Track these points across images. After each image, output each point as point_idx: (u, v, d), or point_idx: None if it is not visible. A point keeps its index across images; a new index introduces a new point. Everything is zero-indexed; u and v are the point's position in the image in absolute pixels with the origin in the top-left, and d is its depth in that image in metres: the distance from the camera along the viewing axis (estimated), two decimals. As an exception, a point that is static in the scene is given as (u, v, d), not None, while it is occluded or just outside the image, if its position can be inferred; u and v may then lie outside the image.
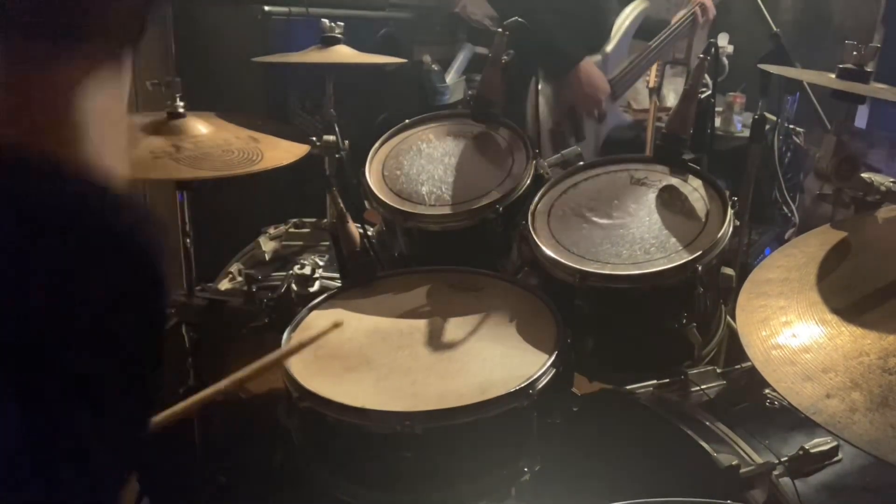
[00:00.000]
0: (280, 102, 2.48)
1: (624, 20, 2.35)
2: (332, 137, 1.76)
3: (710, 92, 1.89)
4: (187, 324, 1.65)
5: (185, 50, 2.54)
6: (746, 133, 2.16)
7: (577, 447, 1.23)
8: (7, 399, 0.38)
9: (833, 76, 1.24)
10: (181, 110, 1.57)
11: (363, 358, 1.22)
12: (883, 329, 0.86)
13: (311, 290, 1.67)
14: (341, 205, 1.44)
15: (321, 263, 1.82)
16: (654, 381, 1.36)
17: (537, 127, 2.14)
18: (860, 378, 0.80)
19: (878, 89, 1.20)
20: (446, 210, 1.50)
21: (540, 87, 2.15)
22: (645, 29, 2.40)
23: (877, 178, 1.24)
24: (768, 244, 2.51)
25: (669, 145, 1.50)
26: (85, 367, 0.40)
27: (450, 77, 3.05)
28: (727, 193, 1.38)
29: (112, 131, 0.46)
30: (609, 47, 2.29)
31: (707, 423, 1.15)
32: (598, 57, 2.25)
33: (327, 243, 1.93)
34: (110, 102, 0.46)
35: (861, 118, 3.14)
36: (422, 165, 1.61)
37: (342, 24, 1.84)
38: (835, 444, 1.02)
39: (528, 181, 1.53)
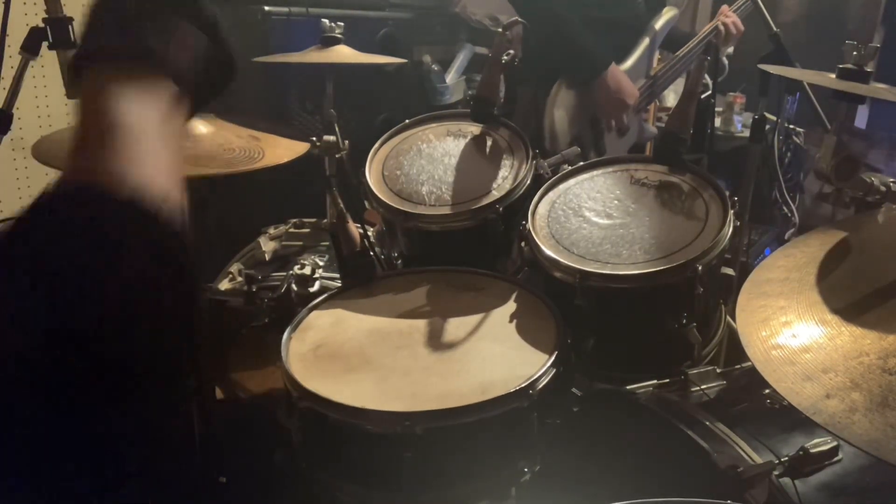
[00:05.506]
0: (280, 102, 2.47)
1: (652, 30, 2.23)
2: (332, 137, 1.75)
3: (710, 92, 1.89)
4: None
5: (184, 50, 2.54)
6: (746, 133, 2.16)
7: (577, 447, 1.23)
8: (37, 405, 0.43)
9: (833, 76, 1.24)
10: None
11: (363, 358, 1.22)
12: (883, 329, 0.86)
13: (311, 290, 1.67)
14: (341, 205, 1.44)
15: (321, 263, 1.82)
16: (654, 381, 1.36)
17: (555, 139, 2.07)
18: (860, 378, 0.80)
19: (878, 89, 1.20)
20: (446, 210, 1.50)
21: (560, 96, 2.07)
22: (668, 40, 2.32)
23: (877, 178, 1.24)
24: (768, 244, 2.52)
25: (669, 145, 1.50)
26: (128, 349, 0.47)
27: (450, 77, 3.04)
28: (727, 193, 1.38)
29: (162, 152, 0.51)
30: (635, 57, 2.20)
31: (707, 423, 1.15)
32: (626, 64, 2.19)
33: (327, 243, 1.93)
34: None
35: (861, 118, 3.14)
36: (422, 165, 1.61)
37: (342, 24, 1.84)
38: (835, 444, 1.02)
39: (528, 181, 1.53)
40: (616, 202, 1.45)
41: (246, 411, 1.69)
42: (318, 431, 1.18)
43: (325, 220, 1.97)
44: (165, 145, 0.52)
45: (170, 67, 0.54)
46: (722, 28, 2.16)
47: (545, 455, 1.17)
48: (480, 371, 1.17)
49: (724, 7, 2.22)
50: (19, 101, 1.58)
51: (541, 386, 1.13)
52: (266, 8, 2.36)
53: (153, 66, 0.53)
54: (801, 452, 1.02)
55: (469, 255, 1.51)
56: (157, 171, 0.49)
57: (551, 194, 1.51)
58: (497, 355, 1.21)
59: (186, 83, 0.56)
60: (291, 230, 2.04)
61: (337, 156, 1.77)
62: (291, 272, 1.71)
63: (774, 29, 1.84)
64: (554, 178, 1.53)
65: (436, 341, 1.26)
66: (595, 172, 1.55)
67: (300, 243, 2.00)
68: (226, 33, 0.62)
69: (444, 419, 1.07)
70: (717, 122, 3.00)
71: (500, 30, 1.63)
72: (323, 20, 1.83)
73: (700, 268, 1.25)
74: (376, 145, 1.69)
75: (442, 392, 1.12)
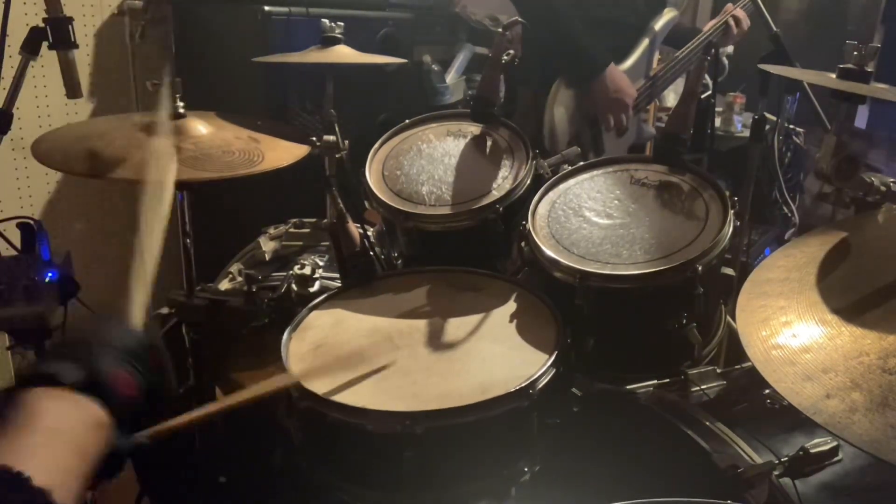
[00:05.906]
0: (280, 102, 2.47)
1: (651, 31, 2.22)
2: (332, 137, 1.75)
3: (710, 92, 1.89)
4: (187, 324, 1.65)
5: (185, 50, 2.54)
6: (746, 133, 2.16)
7: (577, 447, 1.23)
8: None
9: (833, 76, 1.24)
10: (181, 110, 1.57)
11: (363, 358, 1.22)
12: (883, 329, 0.86)
13: (311, 290, 1.67)
14: (341, 205, 1.44)
15: (321, 263, 1.82)
16: (654, 381, 1.36)
17: (555, 139, 2.07)
18: (860, 378, 0.80)
19: (878, 89, 1.20)
20: (446, 210, 1.50)
21: (560, 95, 2.06)
22: (673, 37, 2.29)
23: (877, 178, 1.24)
24: (768, 244, 2.51)
25: (669, 145, 1.50)
26: None
27: (450, 77, 3.04)
28: (727, 193, 1.38)
29: None
30: (634, 57, 2.19)
31: (707, 423, 1.15)
32: (626, 65, 2.16)
33: (327, 243, 1.92)
34: None
35: (861, 118, 3.14)
36: (422, 165, 1.61)
37: (342, 24, 1.84)
38: (835, 444, 1.02)
39: (528, 181, 1.53)
40: (616, 202, 1.45)
41: (246, 411, 1.68)
42: (317, 431, 1.18)
43: (325, 220, 1.97)
44: (72, 451, 0.60)
45: (104, 395, 0.67)
46: (732, 22, 2.16)
47: (545, 455, 1.17)
48: (480, 371, 1.17)
49: (729, 5, 2.22)
50: (19, 101, 1.58)
51: (541, 386, 1.13)
52: (266, 8, 2.36)
53: (86, 392, 0.66)
54: (801, 452, 1.02)
55: (469, 255, 1.51)
56: (48, 469, 0.55)
57: (551, 194, 1.51)
58: (497, 355, 1.21)
59: (118, 409, 0.68)
60: (291, 230, 2.04)
61: (337, 156, 1.77)
62: (291, 272, 1.71)
63: (774, 29, 1.84)
64: (554, 178, 1.53)
65: (436, 341, 1.26)
66: (595, 172, 1.54)
67: (300, 243, 2.00)
68: (169, 383, 0.80)
69: (445, 419, 1.07)
70: (717, 122, 2.99)
71: (500, 30, 1.63)
72: (323, 20, 1.83)
73: (700, 268, 1.25)
74: (376, 145, 1.69)
75: (442, 392, 1.12)
